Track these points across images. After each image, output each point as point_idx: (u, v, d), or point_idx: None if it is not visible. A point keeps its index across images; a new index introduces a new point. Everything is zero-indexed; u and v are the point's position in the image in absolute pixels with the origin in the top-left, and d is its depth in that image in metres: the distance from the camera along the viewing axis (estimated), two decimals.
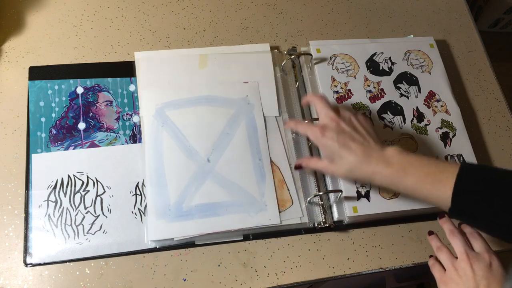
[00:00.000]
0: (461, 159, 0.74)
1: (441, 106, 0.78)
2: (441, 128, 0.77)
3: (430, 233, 0.67)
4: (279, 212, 0.68)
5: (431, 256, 0.66)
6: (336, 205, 0.69)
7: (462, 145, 0.75)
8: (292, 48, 0.80)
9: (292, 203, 0.69)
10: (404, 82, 0.79)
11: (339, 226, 0.69)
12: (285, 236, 0.68)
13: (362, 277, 0.70)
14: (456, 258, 0.61)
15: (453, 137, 0.76)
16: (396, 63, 0.81)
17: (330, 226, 0.68)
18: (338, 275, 0.67)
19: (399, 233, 0.71)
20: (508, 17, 1.82)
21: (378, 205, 0.69)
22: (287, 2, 0.88)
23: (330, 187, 0.70)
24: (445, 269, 0.62)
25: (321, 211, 0.69)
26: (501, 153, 0.80)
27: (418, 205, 0.70)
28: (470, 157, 0.75)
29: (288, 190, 0.70)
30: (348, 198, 0.69)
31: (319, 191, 0.69)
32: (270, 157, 0.71)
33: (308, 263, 0.67)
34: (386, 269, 0.68)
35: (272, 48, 0.80)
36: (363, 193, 0.69)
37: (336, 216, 0.69)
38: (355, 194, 0.69)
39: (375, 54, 0.81)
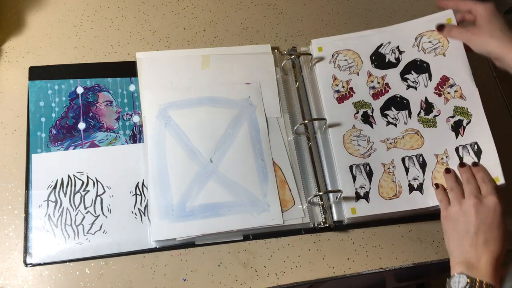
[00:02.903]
0: (475, 148, 0.69)
1: (455, 91, 0.72)
2: (453, 116, 0.71)
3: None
4: (282, 212, 0.68)
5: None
6: (336, 205, 0.69)
7: (479, 131, 0.69)
8: (292, 48, 0.80)
9: (294, 204, 0.69)
10: (412, 72, 0.75)
11: (339, 226, 0.69)
12: (285, 236, 0.68)
13: (362, 277, 0.70)
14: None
15: (467, 124, 0.70)
16: (404, 51, 0.76)
17: (330, 226, 0.68)
18: (338, 275, 0.67)
19: (399, 233, 0.71)
20: (508, 17, 1.82)
21: (377, 206, 0.69)
22: (287, 2, 0.88)
23: (329, 187, 0.70)
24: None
25: (321, 211, 0.69)
26: (500, 155, 0.80)
27: (417, 205, 0.69)
28: (488, 144, 0.68)
29: (290, 190, 0.70)
30: (346, 199, 0.69)
31: (319, 191, 0.69)
32: (272, 158, 0.71)
33: (308, 263, 0.67)
34: (386, 269, 0.68)
35: (272, 49, 0.80)
36: (362, 194, 0.69)
37: (336, 216, 0.69)
38: (354, 195, 0.69)
39: (381, 45, 0.77)
